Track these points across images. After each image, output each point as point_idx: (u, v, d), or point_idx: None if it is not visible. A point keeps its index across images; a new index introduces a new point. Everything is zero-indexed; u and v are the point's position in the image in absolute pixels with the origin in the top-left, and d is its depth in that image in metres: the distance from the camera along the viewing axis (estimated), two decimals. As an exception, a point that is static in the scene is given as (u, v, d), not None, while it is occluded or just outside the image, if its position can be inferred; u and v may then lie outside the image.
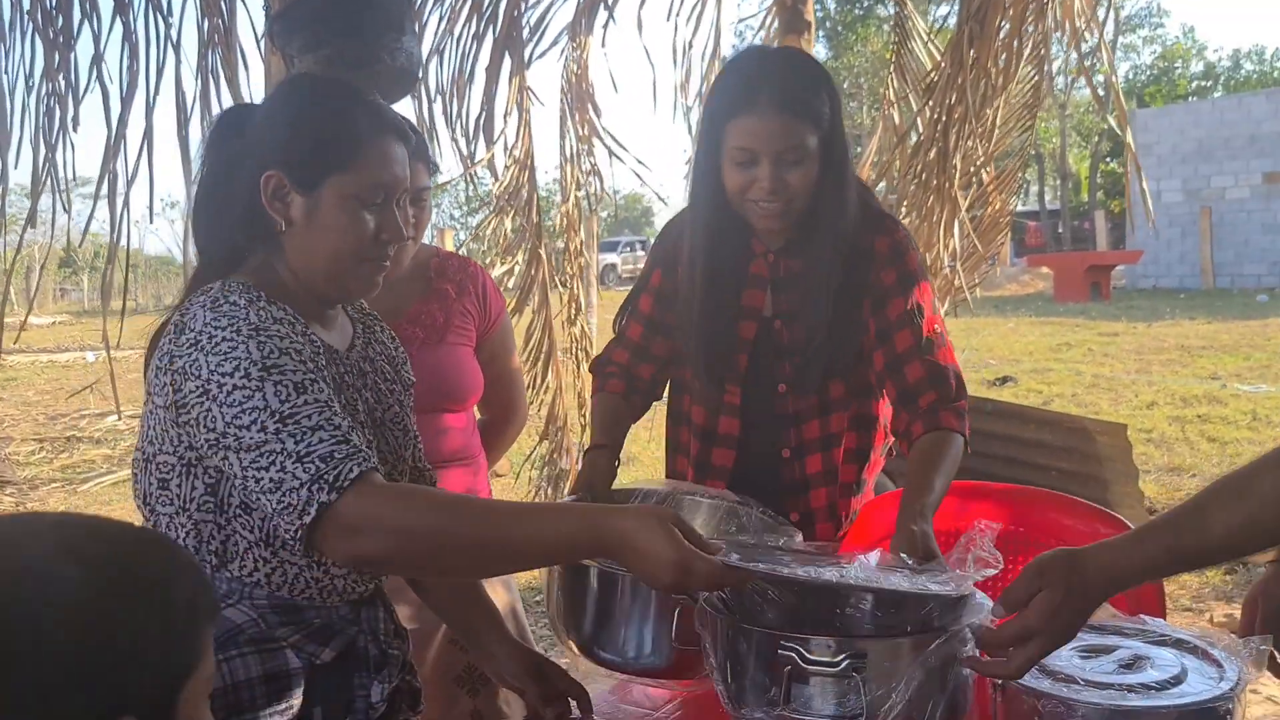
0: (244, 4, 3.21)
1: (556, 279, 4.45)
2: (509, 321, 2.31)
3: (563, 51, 4.34)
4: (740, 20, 4.82)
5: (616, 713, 1.63)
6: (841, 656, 1.21)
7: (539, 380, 4.22)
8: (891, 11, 4.74)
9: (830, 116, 1.76)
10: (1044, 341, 13.11)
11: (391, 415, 1.50)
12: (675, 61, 4.54)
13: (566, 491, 1.87)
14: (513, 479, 4.83)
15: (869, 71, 27.96)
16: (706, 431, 1.94)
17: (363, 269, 1.37)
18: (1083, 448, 4.69)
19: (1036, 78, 4.32)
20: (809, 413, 1.89)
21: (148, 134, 3.13)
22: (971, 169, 4.23)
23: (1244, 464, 1.15)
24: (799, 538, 1.63)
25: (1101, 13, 4.08)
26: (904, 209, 4.16)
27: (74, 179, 3.34)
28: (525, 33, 4.06)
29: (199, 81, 3.17)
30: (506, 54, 3.99)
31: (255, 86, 3.17)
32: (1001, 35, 3.97)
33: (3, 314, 3.33)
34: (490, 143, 4.03)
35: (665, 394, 2.07)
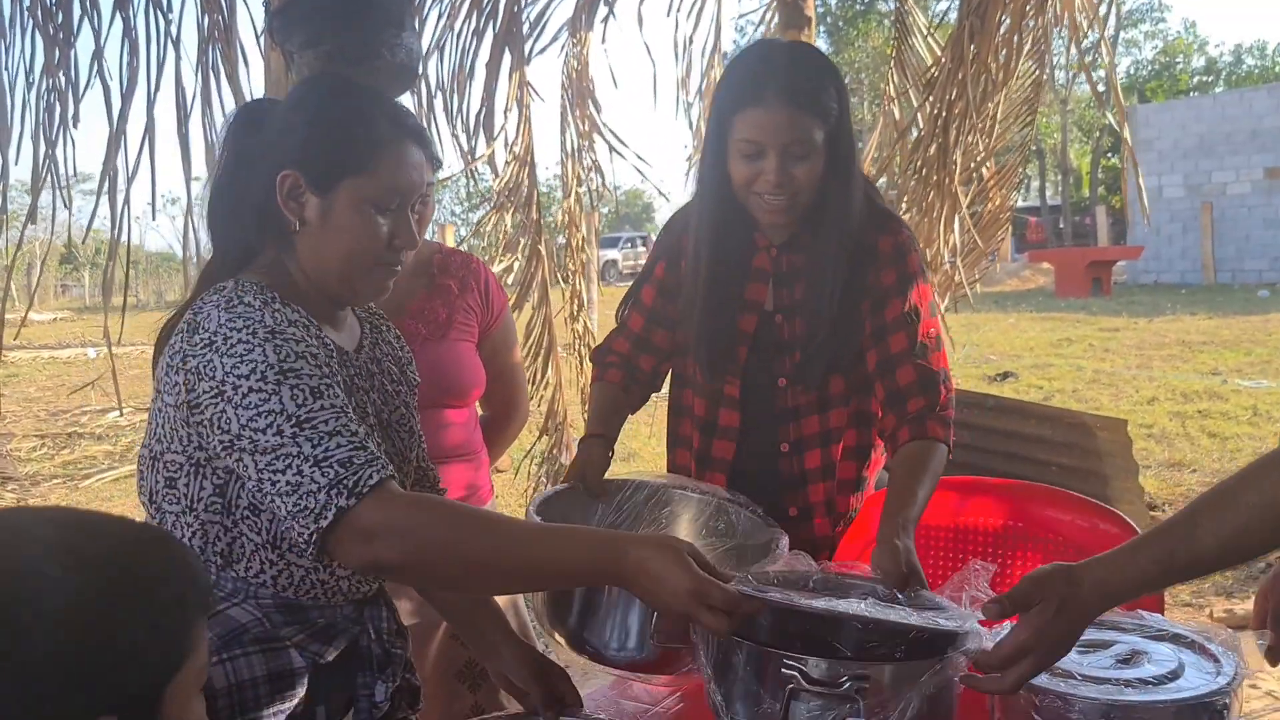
0: (244, 0, 3.22)
1: (558, 275, 4.46)
2: (511, 317, 2.31)
3: (563, 47, 4.35)
4: (741, 15, 4.82)
5: (616, 709, 1.64)
6: (844, 678, 1.22)
7: (539, 376, 4.23)
8: (892, 6, 4.73)
9: (838, 111, 1.76)
10: (1045, 337, 13.11)
11: (398, 417, 1.50)
12: (676, 57, 4.54)
13: (560, 480, 1.87)
14: (513, 474, 4.84)
15: (869, 67, 27.93)
16: (707, 424, 1.94)
17: (375, 273, 1.37)
18: (1083, 443, 4.69)
19: (1037, 73, 4.32)
20: (808, 408, 1.89)
21: (149, 129, 3.13)
22: (972, 164, 4.23)
23: (1237, 470, 1.16)
24: (784, 540, 1.64)
25: (1103, 8, 4.08)
26: (904, 204, 4.16)
27: (74, 175, 3.35)
28: (525, 28, 4.06)
29: (199, 78, 3.17)
30: (507, 50, 3.99)
31: (255, 83, 3.17)
32: (1002, 30, 3.97)
33: (3, 310, 3.33)
34: (490, 139, 4.03)
35: (666, 388, 2.07)
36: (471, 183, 4.57)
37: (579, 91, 4.41)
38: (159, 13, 3.18)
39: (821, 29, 29.36)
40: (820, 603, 1.28)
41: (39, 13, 3.21)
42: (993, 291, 19.73)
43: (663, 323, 1.98)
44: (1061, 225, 34.74)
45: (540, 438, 4.37)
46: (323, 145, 1.33)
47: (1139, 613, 1.43)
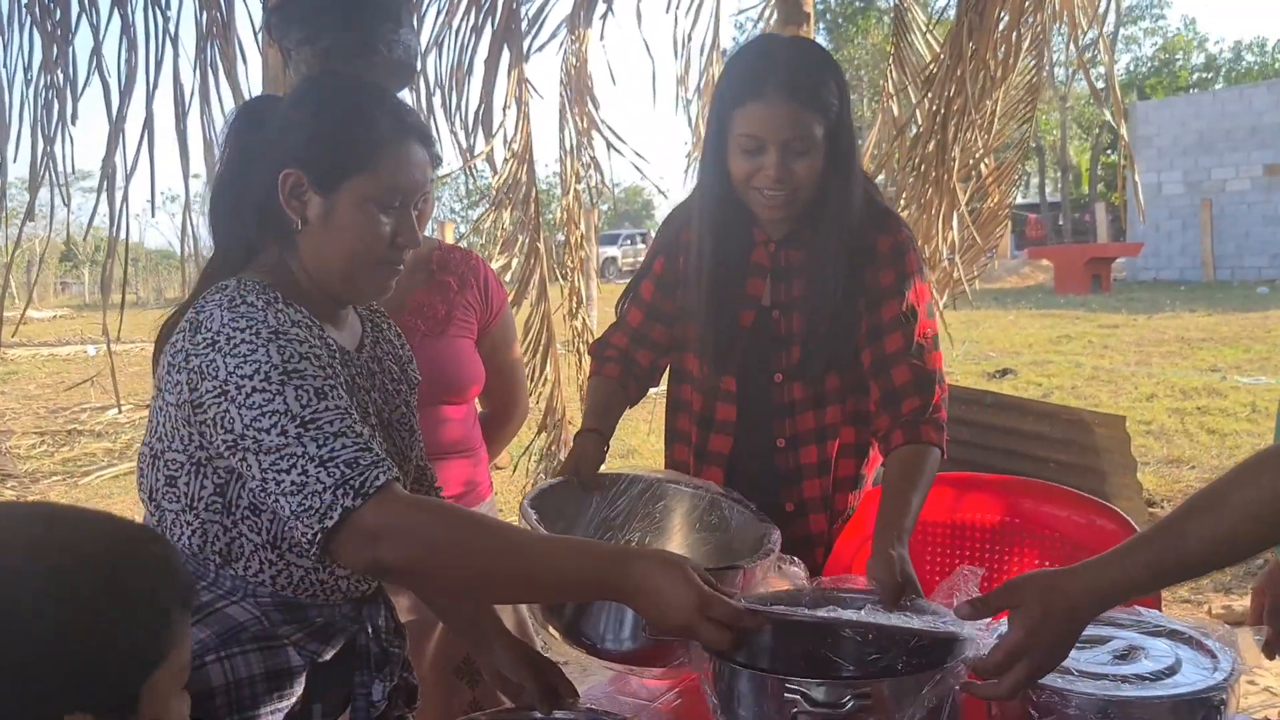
0: (242, -4, 3.22)
1: (556, 272, 4.46)
2: (511, 314, 2.31)
3: (561, 44, 4.34)
4: (740, 12, 4.80)
5: (614, 704, 1.64)
6: (847, 698, 1.22)
7: (538, 373, 4.23)
8: (891, 3, 4.73)
9: (838, 108, 1.75)
10: (1044, 334, 13.11)
11: (399, 416, 1.50)
12: (675, 54, 4.53)
13: (554, 474, 1.87)
14: (511, 471, 4.85)
15: (869, 64, 27.91)
16: (704, 419, 1.95)
17: (377, 272, 1.37)
18: (1081, 440, 4.70)
19: (1036, 70, 4.32)
20: (804, 404, 1.89)
21: (148, 124, 3.13)
22: (971, 161, 4.23)
23: (1222, 474, 1.16)
24: (776, 535, 1.64)
25: (1102, 5, 4.08)
26: (903, 201, 4.16)
27: (73, 173, 3.35)
28: (524, 25, 4.05)
29: (197, 74, 3.17)
30: (505, 46, 3.98)
31: (253, 80, 3.17)
32: (1001, 27, 3.97)
33: (1, 307, 3.34)
34: (489, 136, 4.03)
35: (664, 383, 2.07)
36: (471, 180, 4.57)
37: (578, 88, 4.41)
38: (157, 9, 3.18)
39: (821, 26, 29.37)
40: (822, 612, 1.29)
41: (37, 9, 3.21)
42: (992, 288, 19.75)
43: (661, 318, 1.98)
44: (1061, 222, 34.74)
45: (539, 434, 4.37)
46: (325, 144, 1.33)
47: (1136, 609, 1.43)
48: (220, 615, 1.29)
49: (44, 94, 3.25)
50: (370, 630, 1.43)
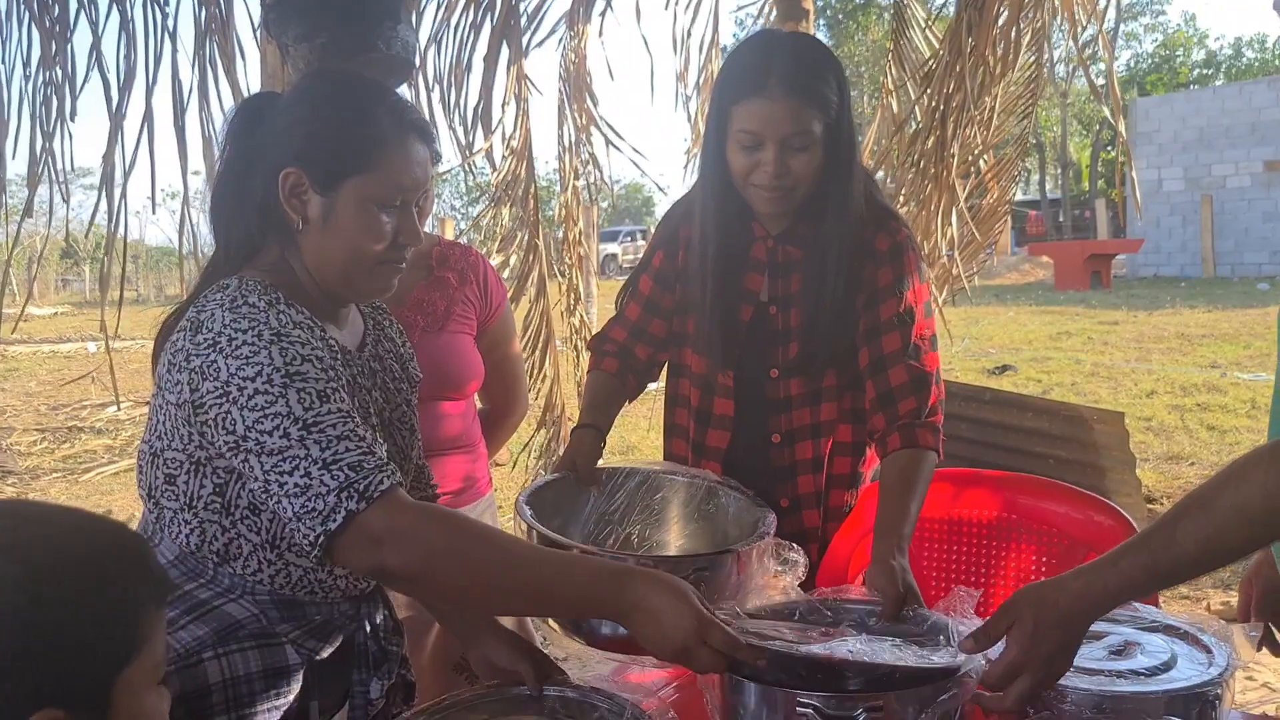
0: (240, -7, 3.22)
1: (555, 268, 4.46)
2: (510, 310, 2.31)
3: (560, 40, 4.34)
4: (739, 8, 4.79)
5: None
6: (859, 710, 1.21)
7: (537, 369, 4.23)
8: (890, -1, 4.73)
9: (838, 104, 1.75)
10: (1044, 330, 13.11)
11: (399, 415, 1.50)
12: (674, 50, 4.53)
13: (550, 469, 1.87)
14: (510, 467, 4.85)
15: (868, 60, 27.89)
16: (702, 413, 1.95)
17: (379, 271, 1.36)
18: (1080, 436, 4.71)
19: (1035, 66, 4.32)
20: (800, 400, 1.89)
21: (147, 118, 3.13)
22: (970, 157, 4.23)
23: (1212, 475, 1.17)
24: (772, 518, 1.63)
25: (1102, 2, 4.08)
26: (902, 197, 4.16)
27: (72, 169, 3.35)
28: (523, 21, 4.05)
29: (196, 71, 3.18)
30: (504, 43, 3.98)
31: (252, 76, 3.17)
32: (1000, 23, 3.97)
33: (1, 304, 3.34)
34: (488, 132, 4.03)
35: (663, 379, 2.07)
36: (470, 176, 4.57)
37: (577, 85, 4.41)
38: (156, 6, 3.19)
39: (820, 22, 29.34)
40: (818, 648, 1.28)
41: (35, 6, 3.21)
42: (992, 284, 19.75)
43: (660, 312, 1.98)
44: (1061, 218, 34.75)
45: (538, 430, 4.37)
46: (325, 143, 1.32)
47: (1132, 605, 1.43)
48: (218, 613, 1.29)
49: (43, 90, 3.25)
50: (368, 628, 1.43)
